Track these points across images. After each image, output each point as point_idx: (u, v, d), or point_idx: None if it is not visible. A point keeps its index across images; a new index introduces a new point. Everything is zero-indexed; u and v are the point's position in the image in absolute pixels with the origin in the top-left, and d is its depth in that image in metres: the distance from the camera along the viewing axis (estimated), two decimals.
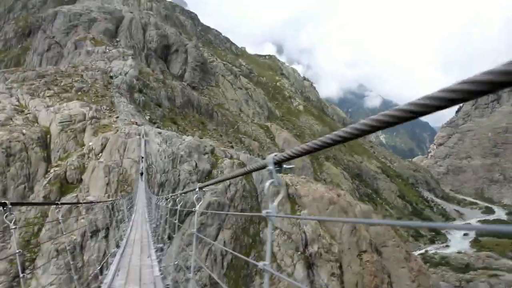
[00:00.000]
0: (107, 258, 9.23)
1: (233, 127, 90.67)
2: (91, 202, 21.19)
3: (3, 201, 3.79)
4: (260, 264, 1.99)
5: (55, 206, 3.99)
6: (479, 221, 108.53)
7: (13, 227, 3.89)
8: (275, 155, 1.90)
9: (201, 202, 4.30)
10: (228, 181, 34.55)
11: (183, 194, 7.25)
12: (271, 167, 1.91)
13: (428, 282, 40.64)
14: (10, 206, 3.80)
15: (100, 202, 23.00)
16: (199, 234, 4.51)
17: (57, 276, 23.58)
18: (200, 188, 4.31)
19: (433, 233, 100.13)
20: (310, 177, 64.96)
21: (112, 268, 8.18)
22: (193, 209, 4.36)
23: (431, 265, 70.68)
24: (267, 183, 1.93)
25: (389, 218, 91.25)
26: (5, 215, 3.72)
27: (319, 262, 34.25)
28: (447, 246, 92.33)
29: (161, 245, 9.92)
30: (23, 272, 24.95)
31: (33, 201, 30.56)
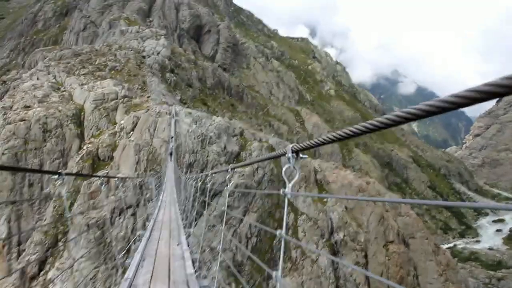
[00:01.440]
0: (131, 243, 8.72)
1: (263, 110, 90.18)
2: (126, 177, 21.56)
3: (58, 171, 4.12)
4: (278, 232, 2.52)
5: (57, 179, 4.17)
6: None
7: (65, 194, 4.68)
8: (294, 145, 2.29)
9: (232, 182, 4.59)
10: (256, 164, 34.36)
11: (213, 174, 6.93)
12: (289, 154, 2.30)
13: (456, 277, 39.43)
14: (64, 177, 4.17)
15: (131, 177, 23.39)
16: (229, 212, 4.59)
17: (88, 249, 24.35)
18: (232, 169, 4.58)
19: (464, 227, 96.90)
20: (338, 163, 63.90)
21: (137, 257, 7.18)
22: (225, 188, 4.79)
23: (460, 260, 68.52)
24: (285, 167, 2.39)
25: (418, 209, 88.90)
26: (59, 182, 4.10)
27: (344, 250, 33.78)
28: (478, 241, 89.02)
29: (191, 229, 9.28)
30: (54, 246, 25.98)
31: (80, 173, 31.56)
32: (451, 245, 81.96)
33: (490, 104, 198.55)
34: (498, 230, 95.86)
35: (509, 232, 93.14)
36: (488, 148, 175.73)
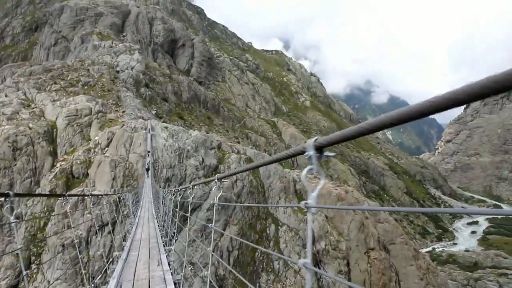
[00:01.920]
0: (107, 265, 7.87)
1: (240, 122, 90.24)
2: (98, 195, 20.87)
3: (6, 192, 3.37)
4: (300, 262, 1.71)
5: (61, 199, 3.57)
6: (487, 219, 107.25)
7: (14, 221, 3.45)
8: (316, 139, 1.61)
9: (219, 194, 3.92)
10: (235, 177, 34.17)
11: (194, 187, 6.48)
12: (310, 152, 1.61)
13: (436, 280, 40.10)
14: (12, 198, 3.39)
15: (106, 194, 22.72)
16: (216, 228, 4.15)
17: (63, 271, 23.39)
18: (220, 179, 3.94)
19: (440, 231, 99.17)
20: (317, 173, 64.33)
21: (112, 283, 6.56)
22: (211, 202, 4.30)
23: (438, 263, 69.87)
24: (305, 171, 1.66)
25: (396, 215, 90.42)
26: (5, 207, 3.36)
27: (326, 259, 33.81)
28: (455, 244, 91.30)
29: (172, 247, 8.73)
30: (27, 268, 24.83)
31: (45, 197, 30.42)
32: (429, 249, 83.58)
33: (459, 110, 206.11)
34: (473, 232, 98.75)
35: (483, 234, 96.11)
36: (459, 153, 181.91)
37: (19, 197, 3.51)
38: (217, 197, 3.92)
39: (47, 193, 29.55)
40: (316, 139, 1.60)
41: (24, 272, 4.50)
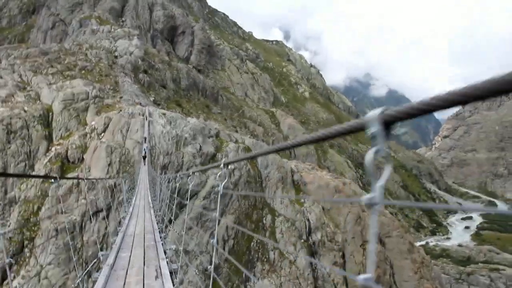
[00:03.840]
0: (89, 268, 6.26)
1: (238, 111, 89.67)
2: (89, 178, 20.42)
3: (54, 176, 3.21)
4: (361, 278, 1.14)
5: (52, 183, 3.15)
6: (481, 214, 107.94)
7: None
8: (383, 111, 1.11)
9: (225, 181, 3.60)
10: (232, 165, 33.82)
11: (194, 174, 5.93)
12: (375, 128, 1.12)
13: (430, 274, 40.19)
14: (59, 181, 3.13)
15: (101, 178, 22.32)
16: (220, 218, 3.77)
17: (56, 255, 23.11)
18: (226, 165, 3.59)
19: (434, 225, 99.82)
20: (314, 164, 64.19)
21: None
22: (216, 189, 3.84)
23: (432, 257, 70.22)
24: (370, 153, 1.13)
25: (391, 208, 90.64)
26: (55, 186, 3.12)
27: (322, 251, 33.73)
28: (448, 238, 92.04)
29: (172, 245, 7.29)
30: (20, 252, 24.53)
31: (31, 178, 30.00)
32: (423, 242, 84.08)
33: (457, 106, 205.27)
34: (466, 227, 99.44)
35: (476, 229, 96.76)
36: (456, 149, 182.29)
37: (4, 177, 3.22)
38: (222, 184, 3.63)
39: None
40: (383, 111, 1.13)
41: (7, 260, 4.14)
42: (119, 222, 11.66)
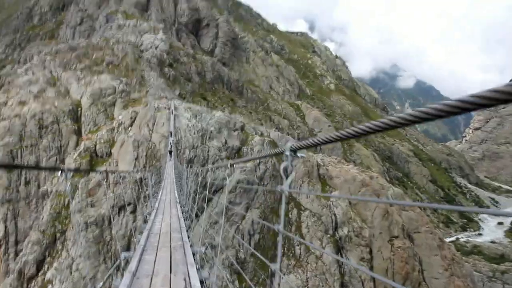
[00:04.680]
0: (111, 272, 5.89)
1: (263, 104, 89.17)
2: (127, 172, 20.55)
3: (61, 167, 3.70)
4: (276, 227, 2.64)
5: (84, 176, 3.29)
6: None
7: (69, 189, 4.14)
8: (292, 144, 2.37)
9: (231, 177, 4.41)
10: (258, 160, 33.58)
11: (217, 169, 5.61)
12: (287, 153, 2.40)
13: (461, 271, 38.82)
14: (67, 173, 3.77)
15: (125, 171, 22.51)
16: (231, 207, 3.85)
17: (86, 249, 23.61)
18: (231, 165, 4.46)
19: (465, 220, 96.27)
20: (340, 157, 63.13)
21: None
22: (225, 183, 4.23)
23: (462, 253, 67.86)
24: (282, 165, 2.45)
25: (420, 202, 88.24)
26: (62, 179, 3.50)
27: (348, 246, 33.13)
28: (480, 234, 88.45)
29: (202, 248, 6.57)
30: (52, 245, 25.19)
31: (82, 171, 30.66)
32: (453, 238, 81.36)
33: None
34: (499, 223, 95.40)
35: (510, 225, 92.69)
36: (488, 141, 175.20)
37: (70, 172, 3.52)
38: (230, 180, 4.79)
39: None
40: (292, 144, 2.38)
41: None
42: (145, 218, 11.07)
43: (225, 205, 4.83)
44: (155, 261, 6.10)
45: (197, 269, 5.46)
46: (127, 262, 6.01)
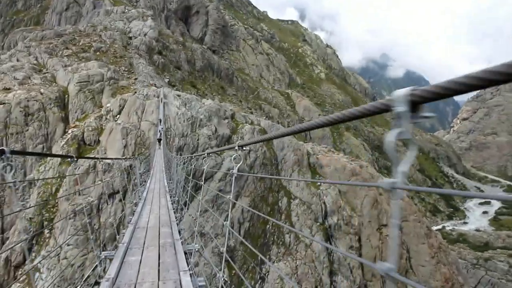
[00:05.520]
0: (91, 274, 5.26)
1: (253, 93, 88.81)
2: (104, 158, 20.21)
3: (71, 155, 3.05)
4: (382, 268, 1.08)
5: (71, 163, 2.76)
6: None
7: (12, 180, 2.84)
8: (412, 90, 1.04)
9: (239, 164, 3.50)
10: (248, 147, 33.42)
11: (210, 155, 5.30)
12: (401, 108, 1.06)
13: (447, 259, 39.60)
14: (8, 155, 2.83)
15: (115, 158, 22.23)
16: (234, 201, 3.51)
17: (71, 236, 23.36)
18: (240, 147, 3.46)
19: (451, 209, 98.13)
20: (330, 146, 63.39)
21: None
22: (230, 171, 3.64)
23: (449, 241, 69.20)
24: (392, 134, 1.08)
25: (408, 192, 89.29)
26: (1, 165, 2.77)
27: (338, 234, 33.41)
28: (465, 223, 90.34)
29: (196, 245, 5.73)
30: (39, 233, 24.85)
31: (47, 156, 30.18)
32: (439, 227, 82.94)
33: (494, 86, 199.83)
34: (484, 212, 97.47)
35: (494, 214, 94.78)
36: (475, 132, 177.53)
37: (14, 155, 2.85)
38: (237, 167, 3.57)
39: (59, 159, 29.34)
40: (412, 90, 1.03)
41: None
42: (132, 210, 10.19)
43: (230, 200, 3.62)
44: (140, 264, 5.20)
45: (190, 275, 4.62)
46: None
